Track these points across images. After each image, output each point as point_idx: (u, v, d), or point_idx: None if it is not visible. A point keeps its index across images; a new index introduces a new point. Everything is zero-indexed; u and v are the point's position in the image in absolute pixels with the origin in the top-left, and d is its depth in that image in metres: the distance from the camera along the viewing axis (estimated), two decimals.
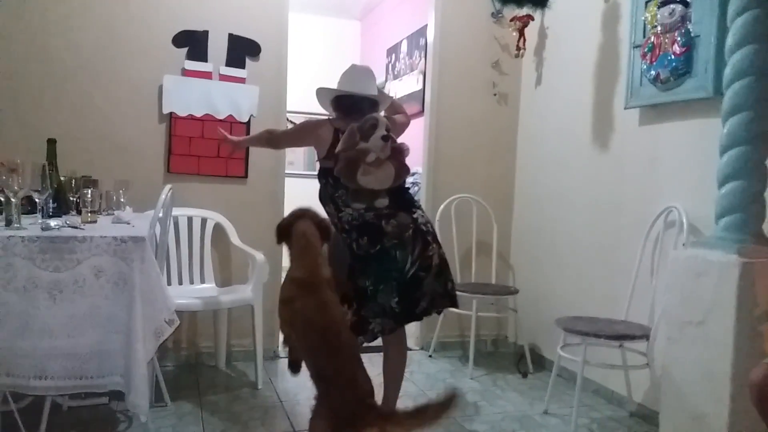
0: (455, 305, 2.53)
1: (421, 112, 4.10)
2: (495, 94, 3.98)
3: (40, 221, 2.18)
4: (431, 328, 3.84)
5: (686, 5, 2.66)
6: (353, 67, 2.66)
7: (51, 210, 2.46)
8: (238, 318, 3.49)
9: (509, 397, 3.16)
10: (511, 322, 4.03)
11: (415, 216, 2.40)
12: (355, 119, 2.39)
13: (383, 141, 2.28)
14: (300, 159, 6.98)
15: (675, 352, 2.34)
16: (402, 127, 2.71)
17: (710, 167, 2.39)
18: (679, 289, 2.34)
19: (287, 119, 3.75)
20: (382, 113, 2.68)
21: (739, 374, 2.05)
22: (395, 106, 2.80)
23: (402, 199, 2.44)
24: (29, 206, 2.45)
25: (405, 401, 2.99)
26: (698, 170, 2.65)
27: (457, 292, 3.50)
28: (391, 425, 1.69)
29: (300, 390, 3.08)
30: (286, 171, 3.79)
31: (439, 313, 2.54)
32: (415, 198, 2.65)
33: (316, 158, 2.57)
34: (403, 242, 2.34)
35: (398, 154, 2.38)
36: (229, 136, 2.91)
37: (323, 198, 2.53)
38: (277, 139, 2.76)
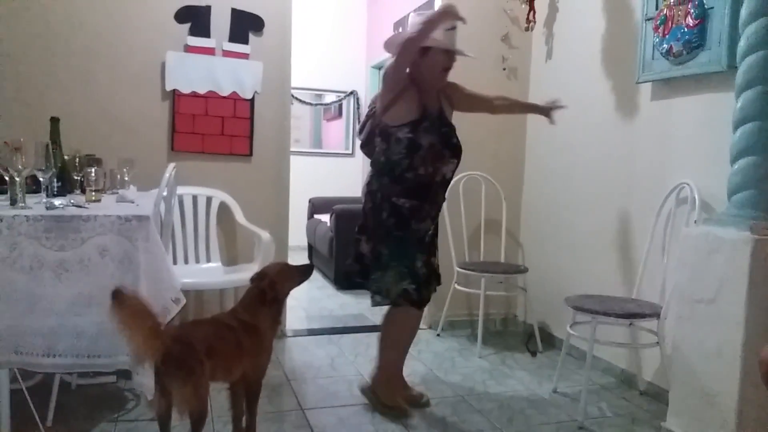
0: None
1: None
2: (504, 69, 3.91)
3: (44, 200, 2.17)
4: (440, 306, 3.83)
5: None
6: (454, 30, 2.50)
7: (55, 189, 2.45)
8: None
9: (518, 376, 3.15)
10: (520, 300, 4.01)
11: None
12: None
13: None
14: (306, 137, 6.92)
15: (685, 330, 2.32)
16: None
17: (723, 143, 2.34)
18: (690, 267, 2.31)
19: (292, 95, 3.70)
20: None
21: (750, 352, 2.03)
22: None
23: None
24: (34, 185, 2.44)
25: (413, 379, 3.00)
26: (711, 146, 2.59)
27: (466, 271, 3.57)
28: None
29: (307, 369, 3.08)
30: (292, 149, 3.75)
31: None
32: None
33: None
34: None
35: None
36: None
37: None
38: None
